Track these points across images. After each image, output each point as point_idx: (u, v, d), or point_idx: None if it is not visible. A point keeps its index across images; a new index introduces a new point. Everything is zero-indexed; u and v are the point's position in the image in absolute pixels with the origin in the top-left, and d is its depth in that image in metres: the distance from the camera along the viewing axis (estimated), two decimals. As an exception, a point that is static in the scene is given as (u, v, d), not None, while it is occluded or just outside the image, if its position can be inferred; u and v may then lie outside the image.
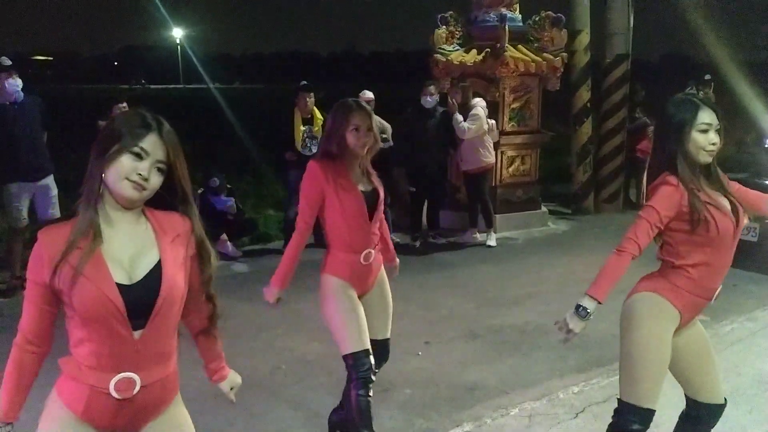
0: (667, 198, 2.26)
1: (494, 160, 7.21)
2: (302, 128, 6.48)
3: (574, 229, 7.93)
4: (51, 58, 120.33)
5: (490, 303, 5.24)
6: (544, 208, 8.14)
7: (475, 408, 3.53)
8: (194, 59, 69.06)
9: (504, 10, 7.54)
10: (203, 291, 1.82)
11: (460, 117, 6.83)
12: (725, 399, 2.49)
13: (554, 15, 7.65)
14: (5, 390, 1.70)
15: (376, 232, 2.90)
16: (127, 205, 1.65)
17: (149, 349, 1.65)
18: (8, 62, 5.27)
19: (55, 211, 5.37)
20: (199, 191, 6.61)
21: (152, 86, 68.03)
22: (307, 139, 6.50)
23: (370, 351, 2.80)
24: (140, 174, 1.60)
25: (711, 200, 2.27)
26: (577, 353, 4.19)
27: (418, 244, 6.92)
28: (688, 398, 2.52)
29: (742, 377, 3.85)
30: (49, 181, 5.45)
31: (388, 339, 3.03)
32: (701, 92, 9.18)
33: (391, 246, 3.13)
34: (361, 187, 2.82)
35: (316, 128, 6.53)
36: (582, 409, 3.48)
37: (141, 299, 1.61)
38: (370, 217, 2.83)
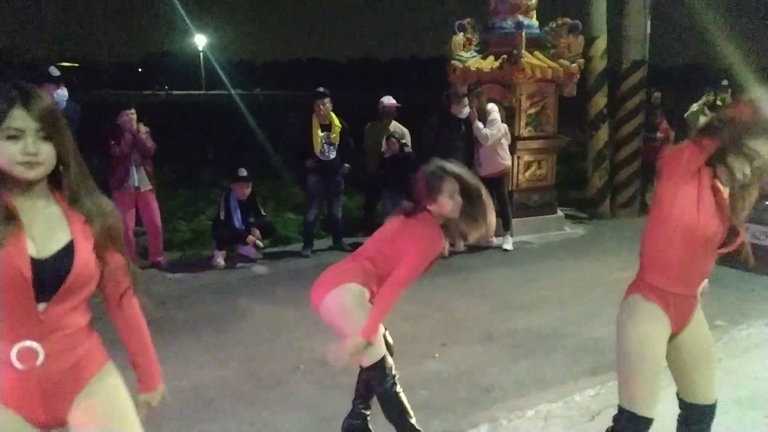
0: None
1: (511, 163, 7.29)
2: (320, 134, 6.57)
3: (591, 234, 7.93)
4: (77, 65, 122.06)
5: (506, 306, 5.28)
6: (560, 213, 8.16)
7: (491, 409, 3.56)
8: (216, 66, 69.79)
9: (521, 17, 7.59)
10: (121, 265, 1.79)
11: (480, 124, 6.88)
12: (715, 400, 2.45)
13: (571, 22, 7.68)
14: None
15: None
16: (31, 182, 1.63)
17: (53, 322, 1.65)
18: (57, 72, 5.35)
19: None
20: (223, 196, 6.70)
21: (175, 92, 68.90)
22: (325, 145, 6.59)
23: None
24: (27, 153, 1.57)
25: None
26: (592, 357, 4.20)
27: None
28: (678, 398, 2.51)
29: (760, 382, 3.84)
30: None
31: None
32: (719, 98, 9.13)
33: None
34: None
35: (334, 135, 6.62)
36: (598, 412, 3.48)
37: (51, 274, 1.62)
38: None
